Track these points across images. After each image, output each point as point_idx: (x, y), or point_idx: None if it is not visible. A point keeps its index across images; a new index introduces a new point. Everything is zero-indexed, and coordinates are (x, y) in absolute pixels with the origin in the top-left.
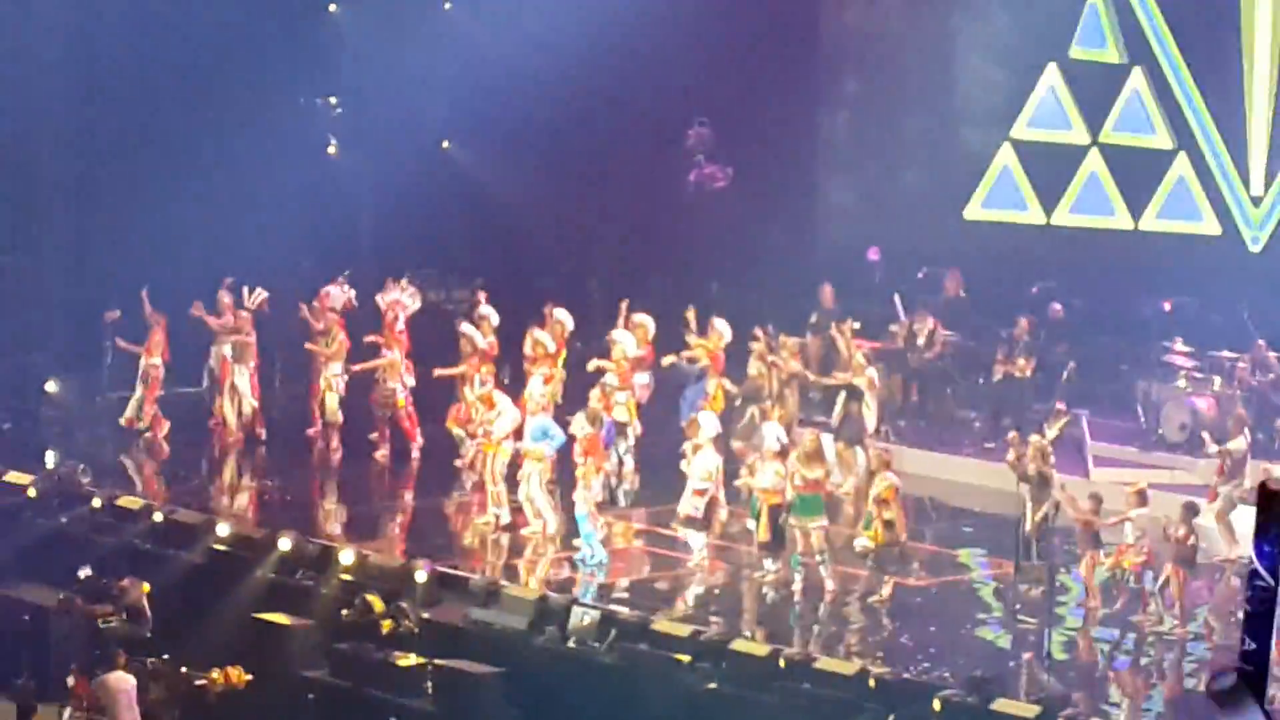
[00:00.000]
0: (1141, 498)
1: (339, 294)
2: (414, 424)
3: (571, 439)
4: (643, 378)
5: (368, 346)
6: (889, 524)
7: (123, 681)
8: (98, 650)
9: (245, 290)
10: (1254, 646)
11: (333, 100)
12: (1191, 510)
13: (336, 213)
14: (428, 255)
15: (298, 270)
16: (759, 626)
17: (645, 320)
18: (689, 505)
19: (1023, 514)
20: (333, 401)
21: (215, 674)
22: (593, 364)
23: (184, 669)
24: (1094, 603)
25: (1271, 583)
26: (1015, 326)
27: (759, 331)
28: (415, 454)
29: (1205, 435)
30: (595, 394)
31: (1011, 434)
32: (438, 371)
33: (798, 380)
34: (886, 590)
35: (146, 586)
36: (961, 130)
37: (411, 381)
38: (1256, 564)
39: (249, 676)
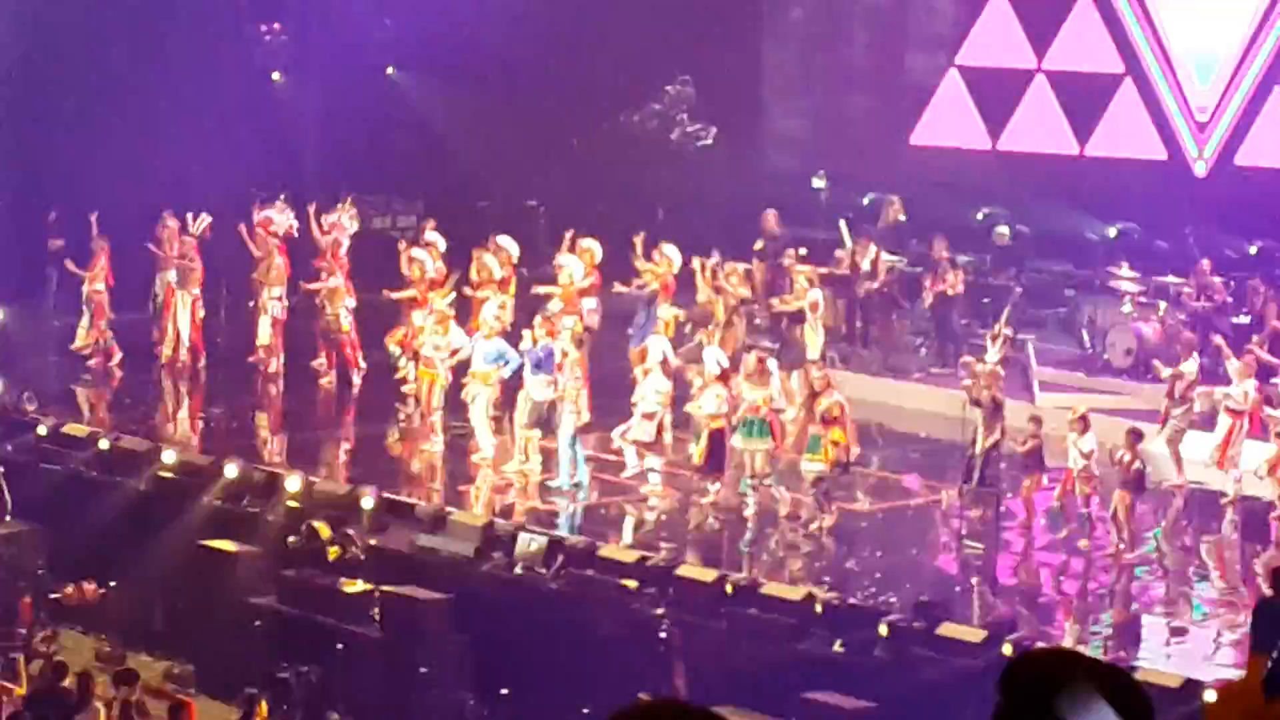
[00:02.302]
0: (1084, 423)
1: (281, 219)
2: (355, 349)
3: (553, 364)
4: (590, 303)
5: (314, 272)
6: (836, 443)
7: None
8: None
9: (190, 217)
10: None
11: (276, 26)
12: (1137, 436)
13: (281, 139)
14: (372, 181)
15: (242, 197)
16: (705, 552)
17: (592, 245)
18: (640, 431)
19: (973, 439)
20: (265, 326)
21: (69, 589)
22: (539, 289)
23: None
24: (1039, 526)
25: None
26: (932, 244)
27: (704, 260)
28: (357, 380)
29: (1156, 362)
30: (538, 320)
31: (965, 359)
32: (388, 293)
33: (745, 306)
34: (830, 520)
35: None
36: (907, 56)
37: (353, 303)
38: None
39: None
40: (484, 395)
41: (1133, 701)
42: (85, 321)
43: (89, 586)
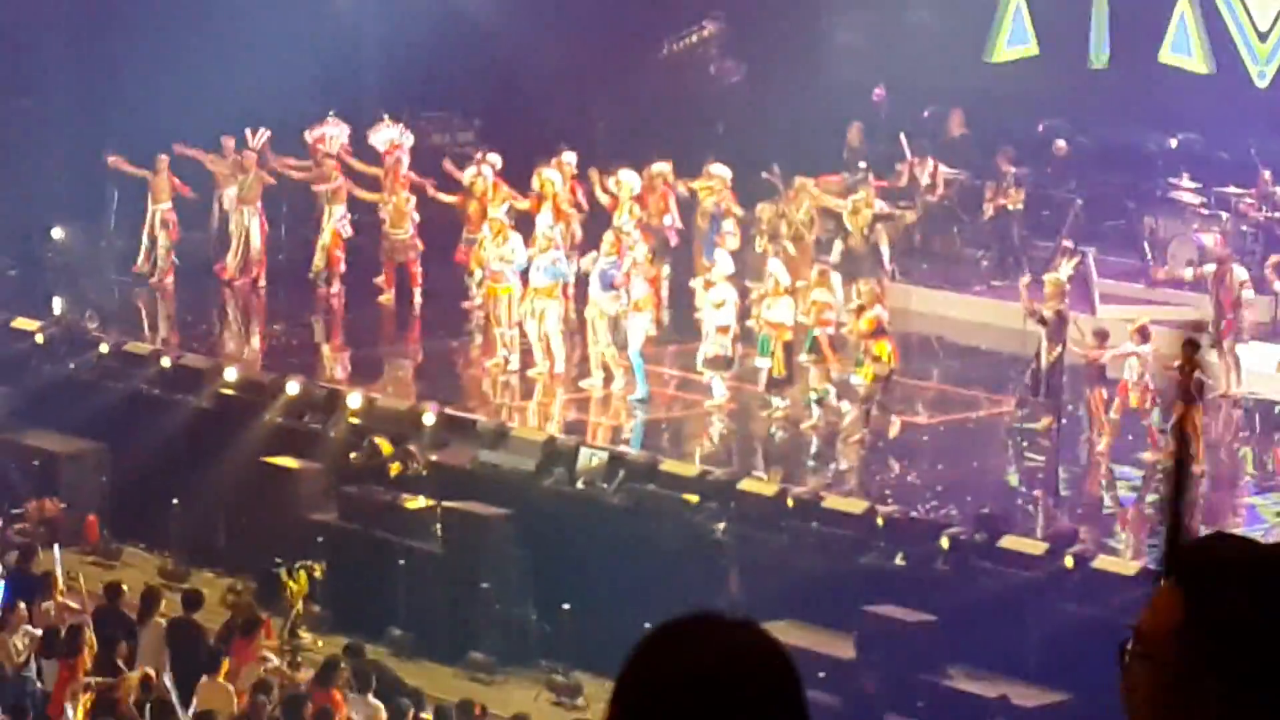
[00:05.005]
0: (1143, 334)
1: (335, 133)
2: (416, 266)
3: (612, 279)
4: (668, 219)
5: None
6: (877, 358)
7: None
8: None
9: (248, 132)
10: None
11: None
12: (1193, 346)
13: (338, 55)
14: (431, 97)
15: (302, 114)
16: (768, 465)
17: (664, 168)
18: (715, 345)
19: (1036, 352)
20: (324, 244)
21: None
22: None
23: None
24: (1101, 439)
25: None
26: (996, 159)
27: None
28: (419, 297)
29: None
30: (608, 236)
31: (1025, 279)
32: (434, 192)
33: (819, 217)
34: (894, 430)
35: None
36: None
37: (417, 218)
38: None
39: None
40: (551, 309)
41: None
42: (163, 242)
43: (50, 504)
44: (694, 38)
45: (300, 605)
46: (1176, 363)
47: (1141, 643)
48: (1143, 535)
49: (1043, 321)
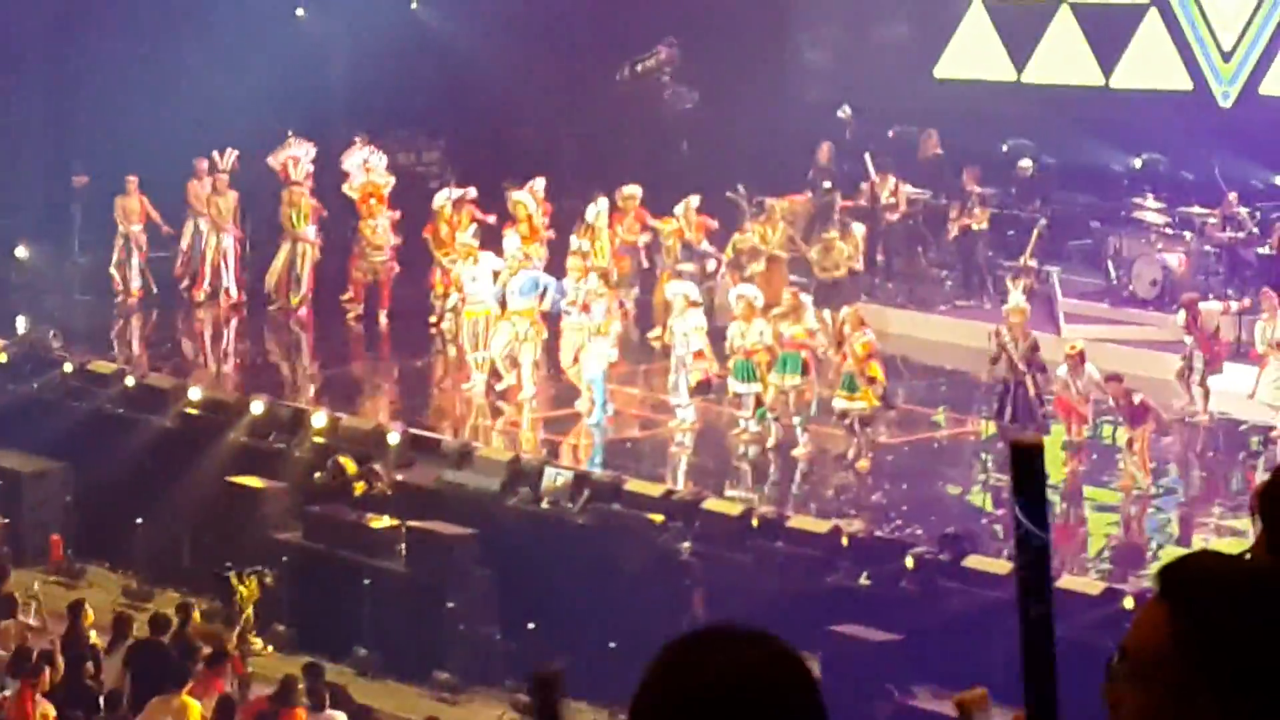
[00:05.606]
0: (1080, 359)
1: (302, 155)
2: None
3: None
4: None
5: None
6: (873, 380)
7: None
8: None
9: (217, 154)
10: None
11: None
12: (1116, 379)
13: (306, 76)
14: (397, 117)
15: (269, 135)
16: (732, 485)
17: (634, 191)
18: (696, 372)
19: (1005, 377)
20: (281, 263)
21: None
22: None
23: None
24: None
25: (1044, 538)
26: (962, 178)
27: (736, 196)
28: (384, 318)
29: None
30: (571, 261)
31: (995, 330)
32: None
33: (789, 241)
34: (865, 460)
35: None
36: None
37: (395, 241)
38: (1026, 523)
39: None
40: (529, 330)
41: None
42: (136, 262)
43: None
44: (651, 61)
45: (250, 610)
46: (1111, 399)
47: (1130, 661)
48: (1085, 553)
49: (1001, 356)
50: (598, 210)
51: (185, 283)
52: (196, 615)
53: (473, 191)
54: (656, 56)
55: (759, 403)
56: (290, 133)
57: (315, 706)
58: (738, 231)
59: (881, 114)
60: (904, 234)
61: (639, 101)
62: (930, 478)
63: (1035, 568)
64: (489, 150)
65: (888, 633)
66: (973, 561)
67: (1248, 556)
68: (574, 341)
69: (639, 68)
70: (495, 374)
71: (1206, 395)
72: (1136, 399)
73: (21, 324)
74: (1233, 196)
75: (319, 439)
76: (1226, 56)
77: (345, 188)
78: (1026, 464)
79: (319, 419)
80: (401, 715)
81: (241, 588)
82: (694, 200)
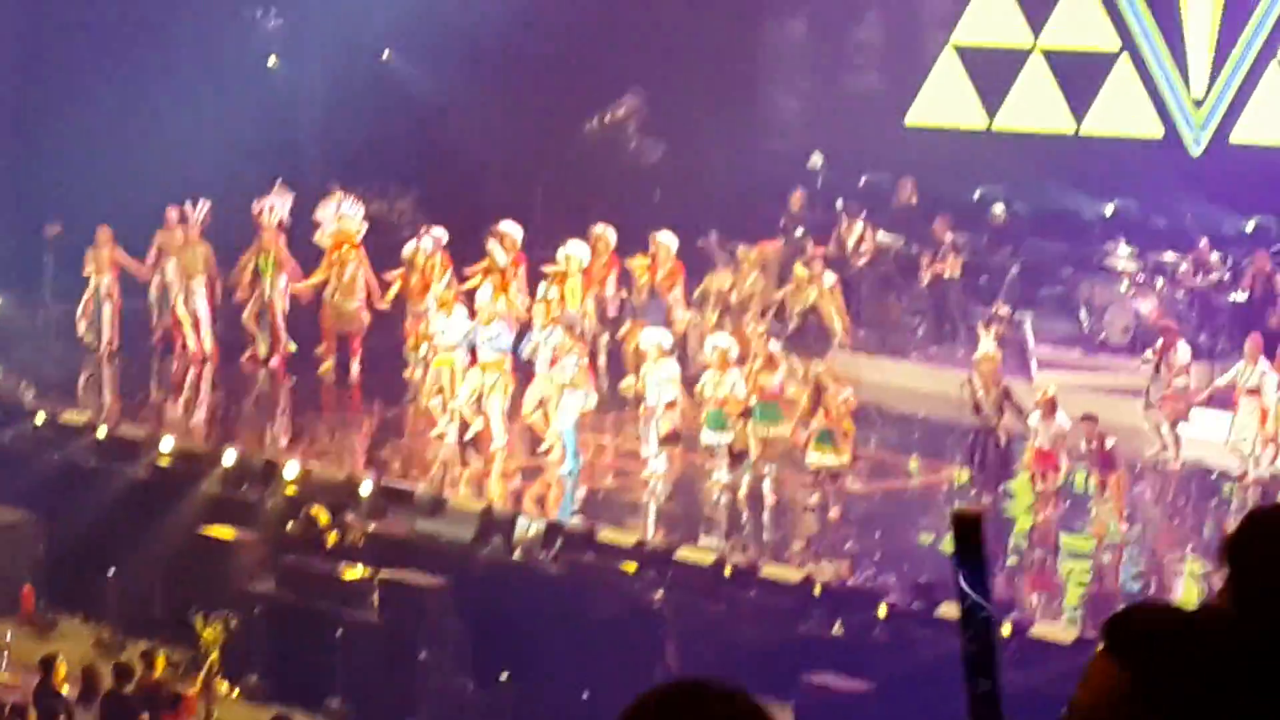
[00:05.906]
0: (1051, 406)
1: (279, 204)
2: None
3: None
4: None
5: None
6: (847, 434)
7: None
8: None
9: (188, 204)
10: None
11: (272, 11)
12: (1091, 420)
13: (277, 126)
14: (369, 167)
15: (240, 184)
16: (704, 535)
17: (605, 232)
18: (667, 422)
19: (977, 425)
20: (252, 314)
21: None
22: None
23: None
24: (1043, 509)
25: (990, 610)
26: (934, 225)
27: (708, 241)
28: (355, 368)
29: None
30: (539, 309)
31: (967, 379)
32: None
33: (769, 286)
34: (836, 511)
35: None
36: (903, 35)
37: (365, 293)
38: (971, 595)
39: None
40: (497, 383)
41: None
42: (107, 313)
43: None
44: (619, 112)
45: (216, 655)
46: (1084, 443)
47: (1079, 716)
48: (1081, 604)
49: (978, 408)
50: (567, 254)
51: (157, 334)
52: (160, 663)
53: (444, 239)
54: (620, 109)
55: (731, 452)
56: (280, 179)
57: None
58: (709, 277)
59: (854, 162)
60: (875, 281)
61: (609, 151)
62: (903, 526)
63: (981, 640)
64: (462, 199)
65: (860, 681)
66: (946, 610)
67: (1210, 604)
68: (541, 390)
69: (607, 118)
70: (465, 423)
71: (1178, 442)
72: (1109, 443)
73: None
74: (1204, 243)
75: (291, 490)
76: (1198, 103)
77: (317, 237)
78: (967, 535)
79: (291, 469)
80: None
81: (206, 631)
82: (664, 237)
